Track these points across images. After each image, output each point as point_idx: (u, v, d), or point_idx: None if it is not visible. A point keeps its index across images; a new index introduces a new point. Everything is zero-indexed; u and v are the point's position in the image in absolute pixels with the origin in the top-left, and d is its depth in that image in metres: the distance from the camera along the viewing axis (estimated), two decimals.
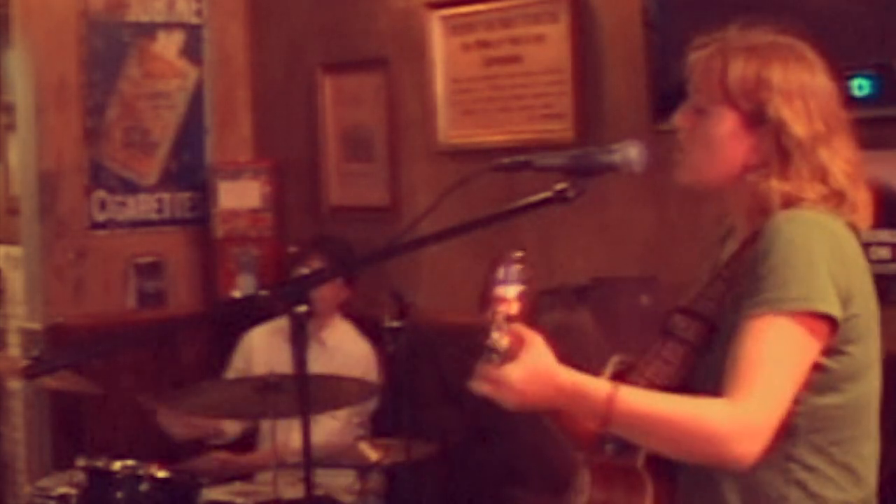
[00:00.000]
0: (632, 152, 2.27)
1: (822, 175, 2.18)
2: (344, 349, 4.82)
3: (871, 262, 3.70)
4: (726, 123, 2.22)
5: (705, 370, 2.18)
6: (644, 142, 2.29)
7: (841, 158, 2.20)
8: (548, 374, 2.07)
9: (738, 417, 2.02)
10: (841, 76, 3.61)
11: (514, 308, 2.05)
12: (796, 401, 2.09)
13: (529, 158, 2.30)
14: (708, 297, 2.24)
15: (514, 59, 4.78)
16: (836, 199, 2.18)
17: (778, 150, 2.19)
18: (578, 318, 4.09)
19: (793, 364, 2.07)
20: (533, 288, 2.07)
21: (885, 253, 3.70)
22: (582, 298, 4.19)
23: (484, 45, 4.89)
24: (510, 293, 2.05)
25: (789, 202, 2.16)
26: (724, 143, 2.22)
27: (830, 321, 2.09)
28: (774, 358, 2.05)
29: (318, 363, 4.62)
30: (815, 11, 3.73)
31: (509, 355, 2.04)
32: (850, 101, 3.59)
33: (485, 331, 2.04)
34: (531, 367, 2.06)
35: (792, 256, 2.08)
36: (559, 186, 2.25)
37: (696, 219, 4.01)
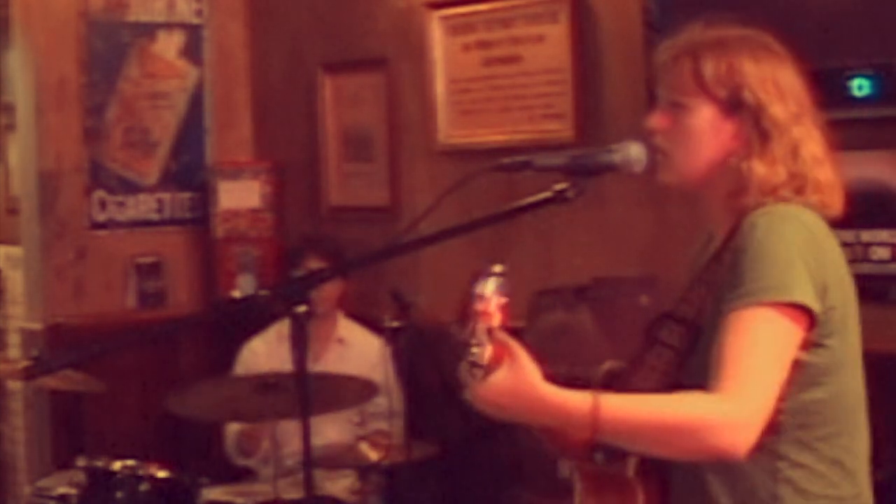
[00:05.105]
0: (632, 152, 2.27)
1: (793, 154, 2.20)
2: (359, 347, 4.84)
3: (871, 262, 3.73)
4: (705, 114, 2.23)
5: (691, 373, 2.18)
6: (644, 142, 2.29)
7: (812, 140, 2.22)
8: (530, 388, 2.06)
9: (727, 408, 2.02)
10: (841, 76, 3.65)
11: (496, 320, 2.05)
12: (780, 398, 2.08)
13: (529, 158, 2.30)
14: (689, 300, 2.24)
15: (514, 59, 4.78)
16: (801, 178, 2.19)
17: (757, 132, 2.20)
18: (578, 318, 4.09)
19: (777, 353, 2.07)
20: (512, 301, 2.07)
21: (884, 253, 3.69)
22: (582, 298, 4.19)
23: (484, 45, 4.89)
24: (491, 306, 2.05)
25: (764, 188, 2.17)
26: (706, 133, 2.23)
27: (808, 314, 2.09)
28: (759, 348, 2.05)
29: (338, 363, 4.62)
30: (815, 11, 3.73)
31: (492, 368, 2.05)
32: (850, 101, 3.63)
33: (466, 345, 2.04)
34: (512, 381, 2.05)
35: (768, 250, 2.09)
36: (559, 186, 2.25)
37: (696, 219, 4.00)
